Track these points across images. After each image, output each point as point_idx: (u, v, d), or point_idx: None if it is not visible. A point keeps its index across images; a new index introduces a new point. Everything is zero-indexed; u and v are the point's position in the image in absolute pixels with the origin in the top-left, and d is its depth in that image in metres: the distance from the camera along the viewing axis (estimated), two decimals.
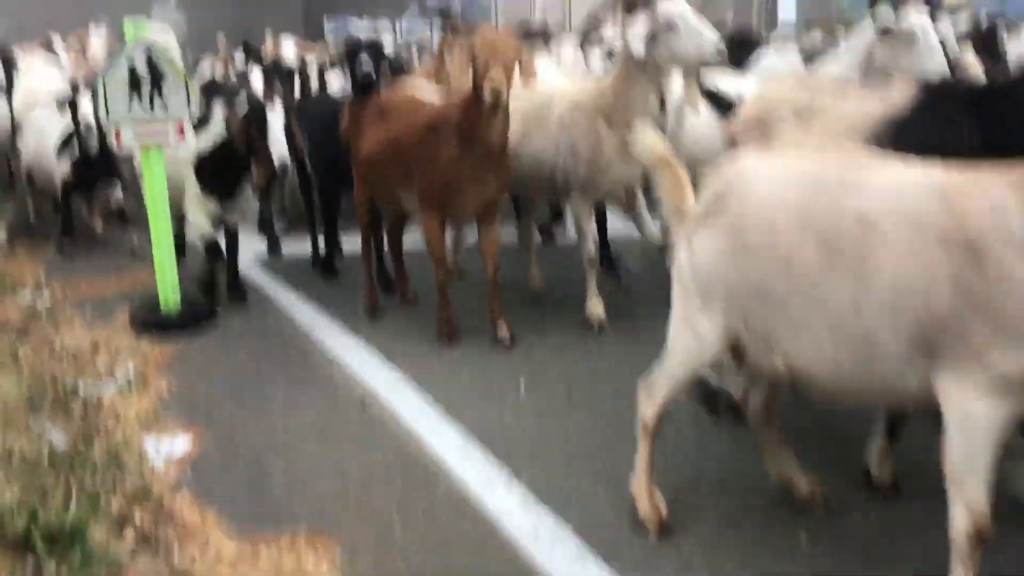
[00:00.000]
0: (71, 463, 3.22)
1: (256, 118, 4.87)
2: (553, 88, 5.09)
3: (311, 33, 22.64)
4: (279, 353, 4.87)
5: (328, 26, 22.18)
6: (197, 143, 5.23)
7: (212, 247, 5.41)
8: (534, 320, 5.09)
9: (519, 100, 4.55)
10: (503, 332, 4.72)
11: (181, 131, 5.01)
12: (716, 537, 2.98)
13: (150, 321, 5.11)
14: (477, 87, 4.23)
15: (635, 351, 4.40)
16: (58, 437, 3.53)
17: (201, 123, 5.27)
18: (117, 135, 4.90)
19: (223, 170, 5.23)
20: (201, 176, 5.26)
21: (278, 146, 4.86)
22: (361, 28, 20.36)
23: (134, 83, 4.82)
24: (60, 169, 6.46)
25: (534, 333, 4.89)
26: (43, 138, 6.59)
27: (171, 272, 5.23)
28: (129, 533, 2.92)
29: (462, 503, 3.26)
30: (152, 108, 4.90)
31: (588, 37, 8.84)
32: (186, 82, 4.99)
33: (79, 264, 6.63)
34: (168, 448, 3.72)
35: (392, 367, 4.51)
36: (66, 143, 6.40)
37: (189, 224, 5.49)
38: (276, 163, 4.86)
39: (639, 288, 5.64)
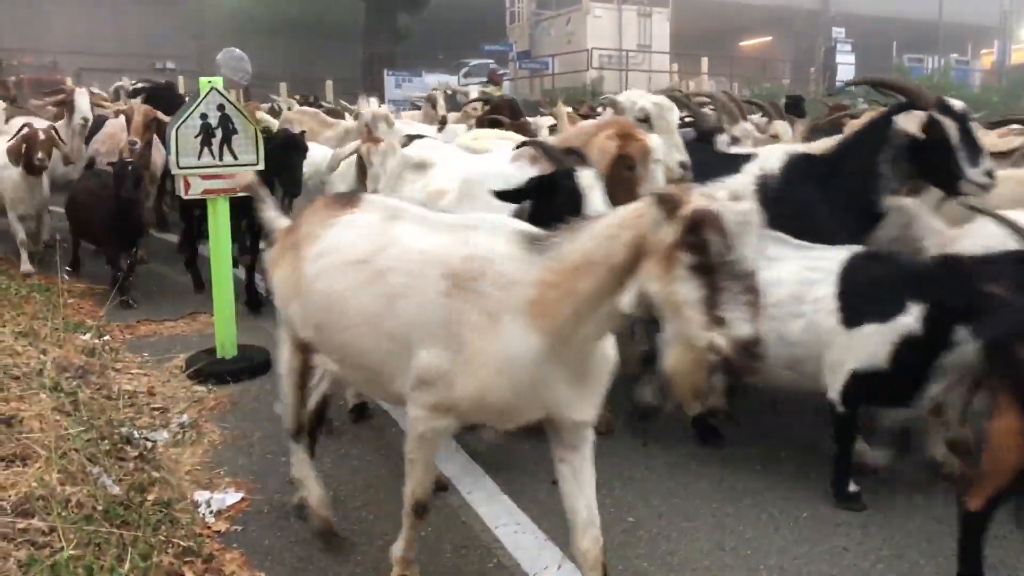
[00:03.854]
0: (124, 515, 3.20)
1: None
2: None
3: (370, 86, 23.16)
4: (333, 405, 4.83)
5: (389, 80, 22.69)
6: None
7: None
8: None
9: None
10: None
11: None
12: None
13: (206, 368, 5.12)
14: None
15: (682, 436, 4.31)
16: (111, 486, 3.51)
17: None
18: (186, 184, 4.98)
19: None
20: None
21: None
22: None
23: (206, 134, 4.91)
24: None
25: None
26: None
27: (230, 319, 5.28)
28: None
29: None
30: (221, 158, 4.98)
31: None
32: (256, 133, 5.07)
33: (140, 305, 6.74)
34: (219, 502, 3.69)
35: None
36: None
37: None
38: None
39: None
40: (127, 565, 2.76)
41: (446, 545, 3.38)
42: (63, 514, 2.96)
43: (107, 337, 5.55)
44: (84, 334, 5.60)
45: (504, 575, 3.19)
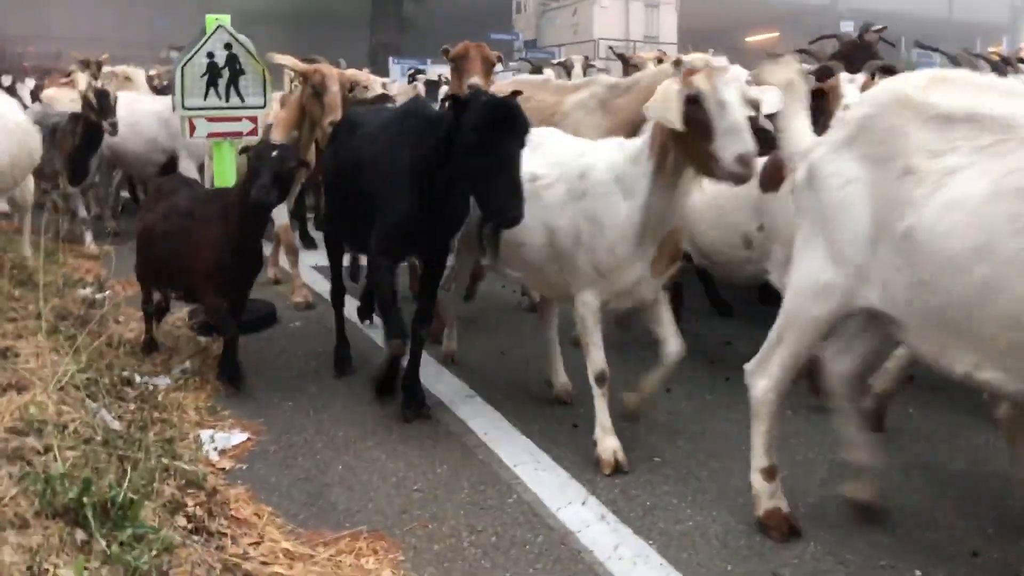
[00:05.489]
0: (124, 448, 3.03)
1: None
2: None
3: (377, 75, 22.98)
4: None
5: (395, 69, 22.47)
6: None
7: None
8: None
9: None
10: None
11: (256, 125, 4.91)
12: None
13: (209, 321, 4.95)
14: None
15: (701, 371, 4.17)
16: (111, 420, 3.35)
17: None
18: (191, 126, 4.81)
19: None
20: None
21: None
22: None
23: (212, 74, 4.74)
24: None
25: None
26: None
27: None
28: (181, 519, 2.70)
29: (534, 515, 2.99)
30: (228, 100, 4.81)
31: None
32: (264, 76, 4.90)
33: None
34: (224, 442, 3.53)
35: (457, 374, 4.31)
36: None
37: None
38: None
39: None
40: (126, 486, 2.58)
41: (463, 482, 3.21)
42: (59, 436, 2.79)
43: (108, 292, 5.38)
44: (84, 288, 5.44)
45: (523, 510, 3.02)
